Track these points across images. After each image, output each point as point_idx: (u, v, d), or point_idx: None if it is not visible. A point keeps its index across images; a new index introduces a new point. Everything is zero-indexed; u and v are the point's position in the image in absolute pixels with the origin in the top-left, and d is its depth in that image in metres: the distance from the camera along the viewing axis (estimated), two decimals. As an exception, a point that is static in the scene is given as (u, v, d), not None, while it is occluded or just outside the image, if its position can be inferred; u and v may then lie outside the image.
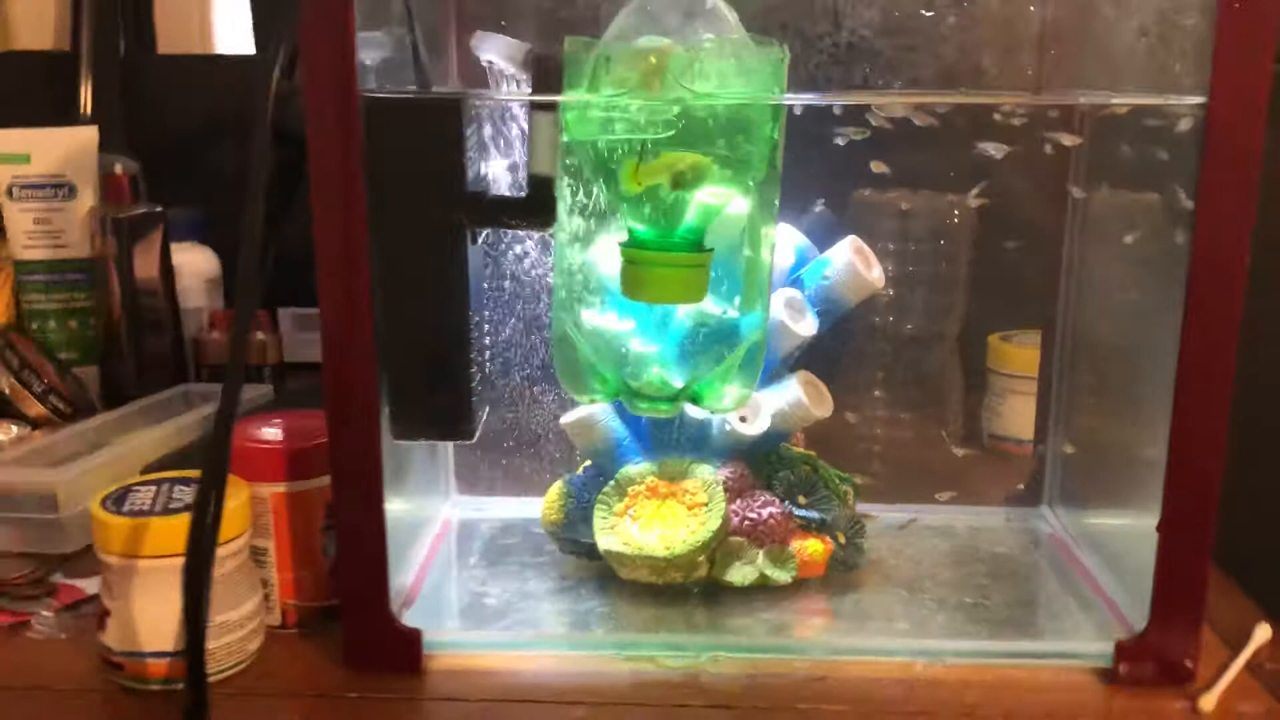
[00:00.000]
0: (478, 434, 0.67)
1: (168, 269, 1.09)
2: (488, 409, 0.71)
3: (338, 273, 0.61)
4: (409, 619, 0.67)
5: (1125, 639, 0.65)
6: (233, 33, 1.41)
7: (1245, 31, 0.57)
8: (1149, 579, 0.64)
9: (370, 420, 0.63)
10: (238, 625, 0.65)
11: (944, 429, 0.88)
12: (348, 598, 0.65)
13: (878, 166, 0.75)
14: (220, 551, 0.63)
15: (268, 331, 1.14)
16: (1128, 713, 0.63)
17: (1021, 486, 0.86)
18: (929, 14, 0.72)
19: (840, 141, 0.73)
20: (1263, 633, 0.70)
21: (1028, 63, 0.75)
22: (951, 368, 0.88)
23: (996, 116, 0.72)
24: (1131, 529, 0.71)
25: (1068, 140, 0.72)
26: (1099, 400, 0.80)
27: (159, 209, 1.08)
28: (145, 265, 1.07)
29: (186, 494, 0.65)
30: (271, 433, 0.71)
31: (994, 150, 0.68)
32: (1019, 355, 0.89)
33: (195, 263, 1.17)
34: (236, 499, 0.66)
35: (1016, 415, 0.89)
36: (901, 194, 0.82)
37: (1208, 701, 0.63)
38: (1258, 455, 0.79)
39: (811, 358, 0.76)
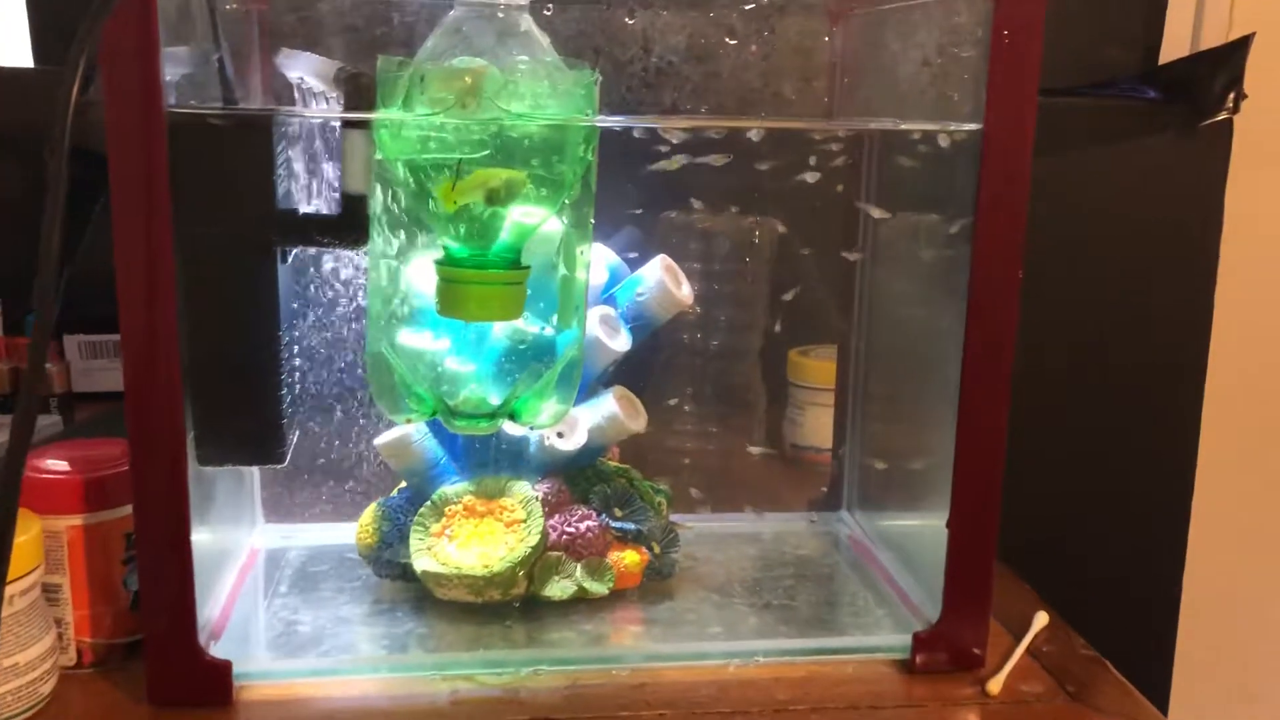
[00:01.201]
0: (288, 457, 0.66)
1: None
2: (299, 432, 0.69)
3: (141, 293, 0.59)
4: (217, 651, 0.65)
5: (921, 631, 0.69)
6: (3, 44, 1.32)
7: (1014, 63, 0.62)
8: (940, 575, 0.68)
9: (175, 445, 0.60)
10: (28, 668, 0.62)
11: (749, 439, 0.91)
12: (152, 631, 0.63)
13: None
14: (8, 590, 0.59)
15: (54, 360, 1.08)
16: (924, 699, 0.67)
17: (824, 490, 0.91)
18: (732, 42, 0.76)
19: (669, 165, 0.75)
20: (1041, 620, 0.76)
21: (823, 90, 0.79)
22: (755, 381, 0.91)
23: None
24: (923, 529, 0.75)
25: (876, 213, 0.76)
26: (891, 409, 0.85)
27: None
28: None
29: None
30: (64, 463, 0.67)
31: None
32: (817, 369, 0.93)
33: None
34: (26, 533, 0.62)
35: (816, 425, 0.93)
36: (705, 215, 0.85)
37: (995, 685, 0.68)
38: (1028, 453, 0.86)
39: (625, 373, 0.78)
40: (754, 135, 0.75)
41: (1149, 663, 1.18)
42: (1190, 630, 1.19)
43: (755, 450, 0.88)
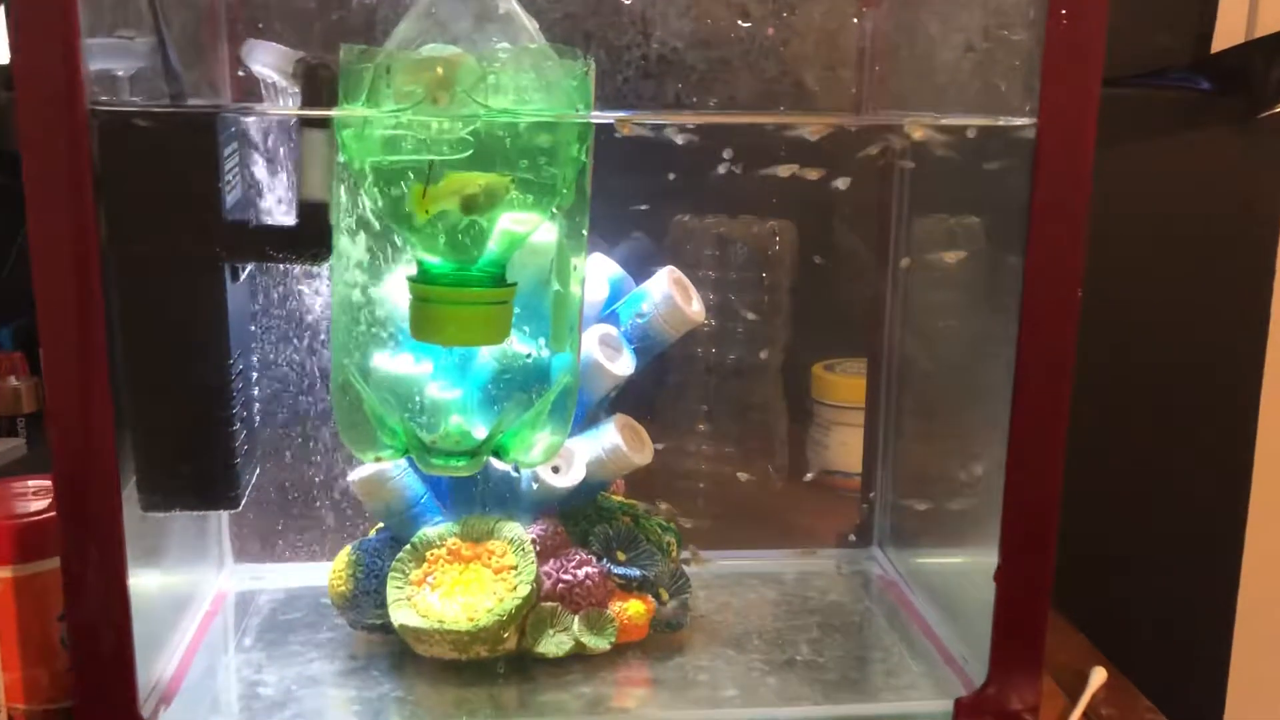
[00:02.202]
0: (243, 501, 0.58)
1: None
2: (257, 470, 0.62)
3: (64, 317, 0.52)
4: (166, 718, 0.58)
5: (964, 695, 0.62)
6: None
7: (1073, 49, 0.54)
8: (986, 625, 0.61)
9: (107, 490, 0.53)
10: (-51, 741, 0.55)
11: (770, 465, 0.83)
12: (83, 700, 0.56)
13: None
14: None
15: (23, 376, 1.01)
16: (970, 776, 0.59)
17: (853, 537, 0.83)
18: (745, 24, 0.67)
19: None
20: (1098, 677, 0.68)
21: (851, 80, 0.71)
22: (775, 400, 0.84)
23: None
24: (966, 570, 0.68)
25: (784, 172, 0.68)
26: (929, 432, 0.77)
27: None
28: None
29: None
30: (-6, 505, 0.60)
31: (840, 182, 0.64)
32: (844, 385, 0.85)
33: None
34: (-52, 587, 0.55)
35: (843, 447, 0.85)
36: (720, 220, 0.77)
37: (1051, 759, 0.60)
38: (1085, 484, 0.78)
39: (629, 398, 0.70)
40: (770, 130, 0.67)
41: (1198, 704, 1.10)
42: (1243, 667, 1.11)
43: (744, 477, 0.80)
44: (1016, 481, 0.59)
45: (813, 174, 0.64)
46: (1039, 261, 0.57)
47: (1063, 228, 0.56)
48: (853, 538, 0.82)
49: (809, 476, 0.84)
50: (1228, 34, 1.00)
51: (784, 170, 0.65)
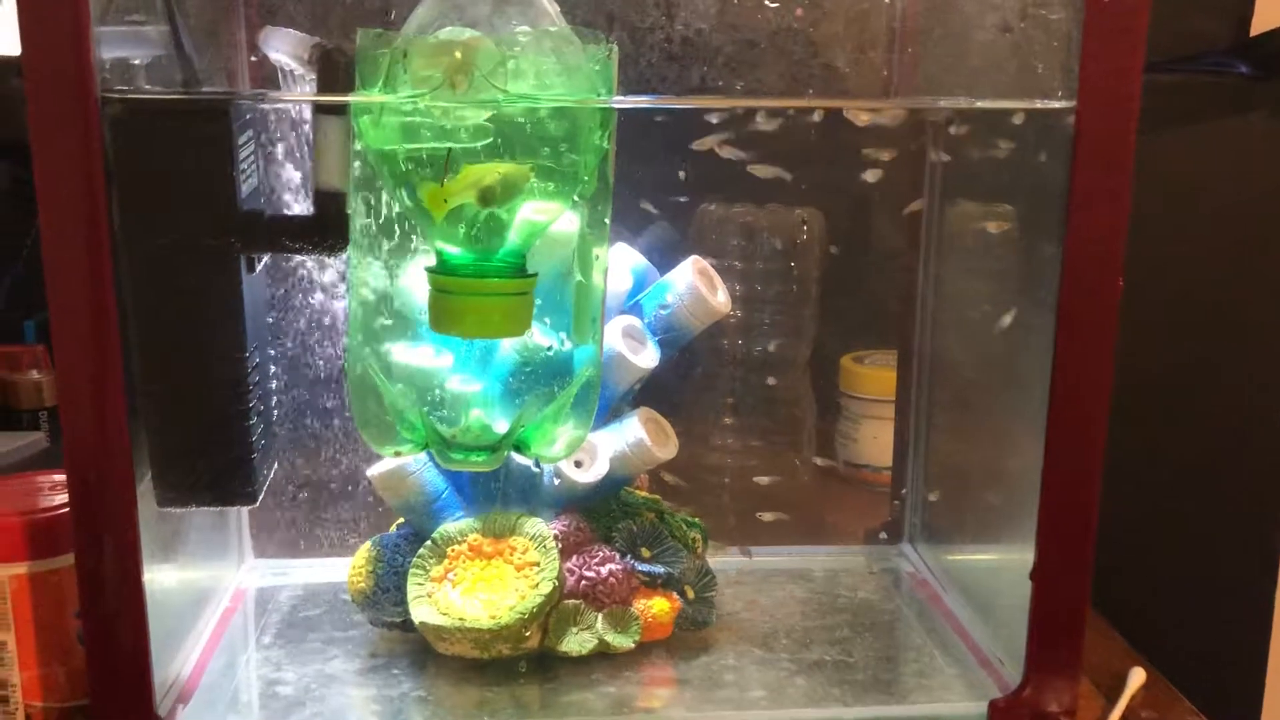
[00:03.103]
0: (261, 496, 0.57)
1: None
2: (275, 465, 0.61)
3: (77, 310, 0.51)
4: (184, 718, 0.57)
5: (999, 697, 0.60)
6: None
7: (1115, 29, 0.52)
8: (1021, 624, 0.59)
9: (121, 486, 0.52)
10: (-35, 739, 0.54)
11: (797, 459, 0.81)
12: (99, 699, 0.54)
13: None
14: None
15: (44, 369, 1.00)
16: (1005, 782, 0.57)
17: (883, 534, 0.81)
18: (773, 4, 0.65)
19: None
20: (1137, 678, 0.66)
21: (881, 62, 0.69)
22: (803, 393, 0.82)
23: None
24: (1000, 567, 0.66)
25: (724, 151, 0.65)
26: (961, 425, 0.75)
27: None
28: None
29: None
30: (10, 501, 0.59)
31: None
32: (873, 378, 0.83)
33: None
34: (-37, 584, 0.54)
35: (872, 441, 0.84)
36: (746, 208, 0.75)
37: (1090, 764, 0.58)
38: (1121, 481, 0.76)
39: (653, 391, 0.68)
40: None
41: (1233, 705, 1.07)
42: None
43: (764, 481, 0.78)
44: (1054, 478, 0.57)
45: (885, 154, 0.62)
46: (1078, 251, 0.54)
47: (1103, 215, 0.54)
48: (884, 536, 0.80)
49: (833, 467, 0.82)
50: (1267, 17, 0.98)
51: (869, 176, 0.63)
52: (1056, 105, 0.55)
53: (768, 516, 0.78)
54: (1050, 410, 0.56)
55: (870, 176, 0.66)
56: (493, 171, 0.52)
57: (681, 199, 0.73)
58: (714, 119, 0.65)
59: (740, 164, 0.69)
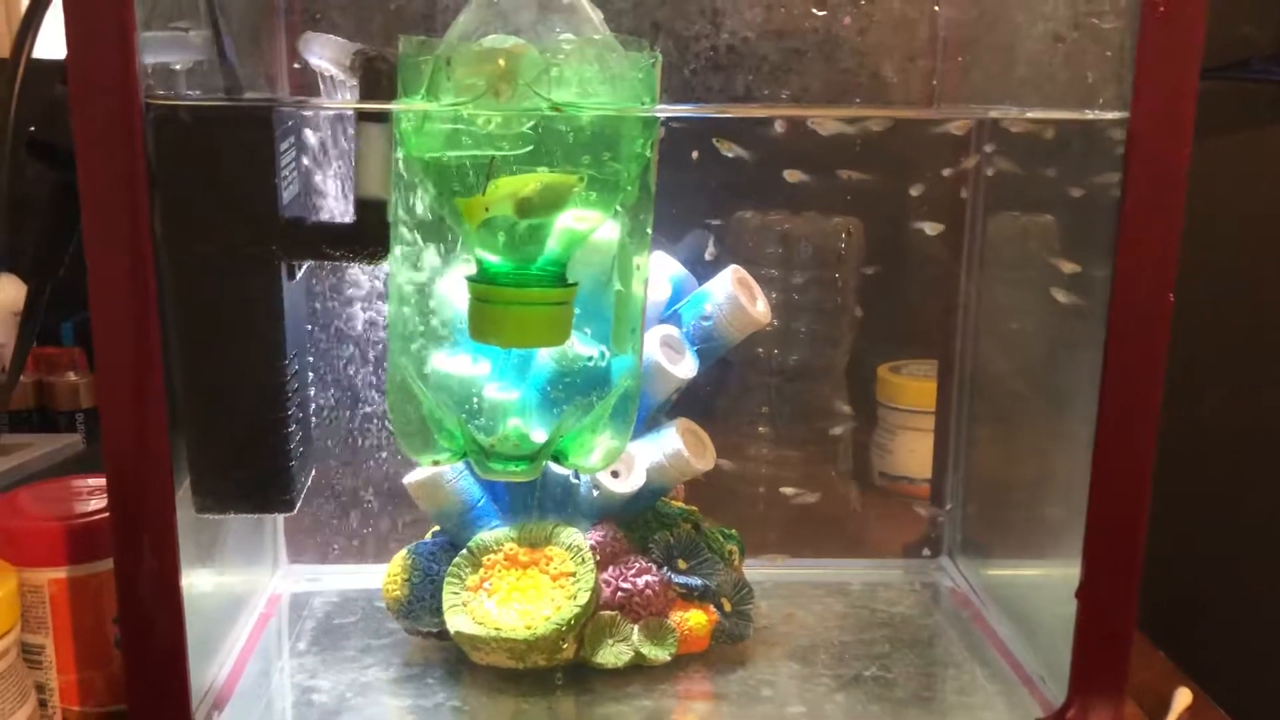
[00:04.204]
0: (298, 504, 0.57)
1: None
2: (312, 473, 0.60)
3: (118, 316, 0.51)
4: (219, 724, 0.57)
5: (1041, 717, 0.59)
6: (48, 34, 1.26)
7: (1170, 38, 0.51)
8: (1065, 641, 0.58)
9: (160, 491, 0.52)
10: (4, 742, 0.54)
11: (834, 470, 0.80)
12: (136, 704, 0.54)
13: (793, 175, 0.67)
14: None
15: (81, 371, 1.01)
16: (1048, 805, 0.56)
17: (927, 551, 0.79)
18: (820, 13, 0.64)
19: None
20: (1183, 699, 0.65)
21: (929, 71, 0.68)
22: (840, 403, 0.81)
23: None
24: (1043, 583, 0.65)
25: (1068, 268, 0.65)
26: (1003, 438, 0.74)
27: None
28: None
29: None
30: (50, 505, 0.59)
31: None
32: (912, 388, 0.82)
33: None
34: (2, 588, 0.54)
35: (910, 453, 0.83)
36: (784, 216, 0.75)
37: (1135, 788, 0.57)
38: (1168, 496, 0.74)
39: (691, 401, 0.68)
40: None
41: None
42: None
43: (790, 492, 0.77)
44: (1101, 495, 0.56)
45: (929, 164, 0.60)
46: (1129, 267, 0.53)
47: (1156, 228, 0.53)
48: (927, 551, 0.79)
49: (869, 479, 0.81)
50: (1314, 24, 0.96)
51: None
52: (1108, 116, 0.54)
53: (789, 490, 0.77)
54: (1099, 425, 0.55)
55: (913, 188, 0.65)
56: (532, 182, 0.52)
57: (720, 207, 0.72)
58: (758, 127, 0.65)
59: (777, 170, 0.68)
